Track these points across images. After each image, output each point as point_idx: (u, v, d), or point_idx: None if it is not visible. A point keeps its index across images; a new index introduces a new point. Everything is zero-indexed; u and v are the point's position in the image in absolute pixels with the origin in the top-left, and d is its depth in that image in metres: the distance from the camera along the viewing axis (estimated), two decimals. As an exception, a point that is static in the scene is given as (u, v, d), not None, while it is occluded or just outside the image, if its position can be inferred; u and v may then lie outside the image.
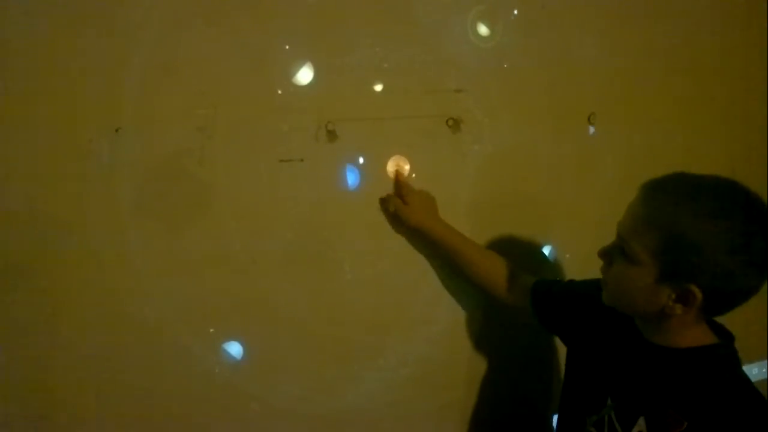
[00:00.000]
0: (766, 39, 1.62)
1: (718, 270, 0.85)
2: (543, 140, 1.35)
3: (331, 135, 1.15)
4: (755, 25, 1.62)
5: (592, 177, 1.41)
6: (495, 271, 1.25)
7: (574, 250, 1.42)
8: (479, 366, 1.41)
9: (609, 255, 0.96)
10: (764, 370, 1.91)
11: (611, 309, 1.02)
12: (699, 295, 0.87)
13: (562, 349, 1.38)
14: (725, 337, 0.97)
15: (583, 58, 1.36)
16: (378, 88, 1.18)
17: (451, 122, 1.24)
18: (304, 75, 1.12)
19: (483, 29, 1.24)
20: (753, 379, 1.81)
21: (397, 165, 1.22)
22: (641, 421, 0.95)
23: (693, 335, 0.94)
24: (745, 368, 1.80)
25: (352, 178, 1.20)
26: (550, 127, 1.35)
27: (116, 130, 1.02)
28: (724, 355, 0.94)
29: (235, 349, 1.18)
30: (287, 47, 1.11)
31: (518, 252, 1.37)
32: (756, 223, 0.86)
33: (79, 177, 1.03)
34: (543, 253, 1.41)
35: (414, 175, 1.23)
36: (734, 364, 0.95)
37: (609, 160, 1.41)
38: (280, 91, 1.11)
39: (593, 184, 1.41)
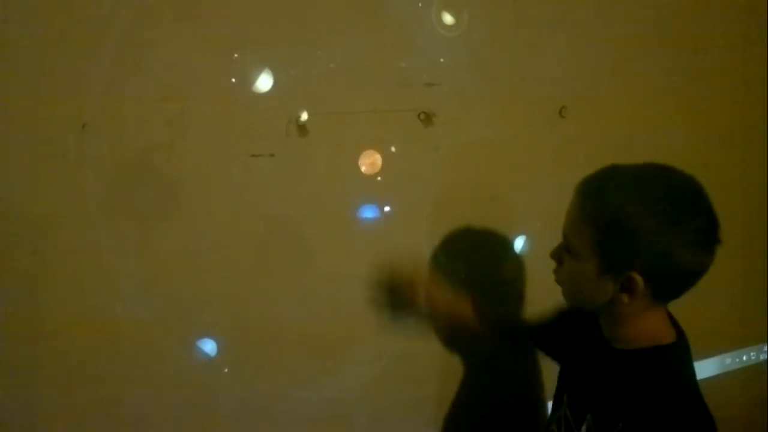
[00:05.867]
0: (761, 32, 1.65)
1: (653, 253, 0.86)
2: (515, 133, 1.36)
3: (302, 129, 1.14)
4: (731, 19, 1.64)
5: (564, 170, 1.41)
6: None
7: (546, 243, 1.42)
8: (455, 360, 1.41)
9: (558, 255, 0.98)
10: (764, 354, 1.95)
11: (579, 310, 1.03)
12: (640, 280, 0.88)
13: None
14: (680, 334, 0.97)
15: (554, 52, 1.37)
16: (349, 82, 1.18)
17: (422, 116, 1.24)
18: (274, 69, 1.11)
19: (453, 22, 1.24)
20: (752, 363, 1.86)
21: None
22: (589, 418, 0.96)
23: (650, 330, 0.95)
24: (745, 352, 1.85)
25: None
26: (522, 121, 1.36)
27: (82, 126, 1.01)
28: (672, 357, 0.95)
29: (208, 346, 1.17)
30: (257, 41, 1.11)
31: (491, 246, 1.38)
32: (686, 202, 0.87)
33: (45, 174, 1.01)
34: (516, 246, 1.42)
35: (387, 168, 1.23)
36: (680, 367, 0.95)
37: (581, 153, 1.42)
38: (250, 86, 1.11)
39: (565, 177, 1.41)
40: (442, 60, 1.25)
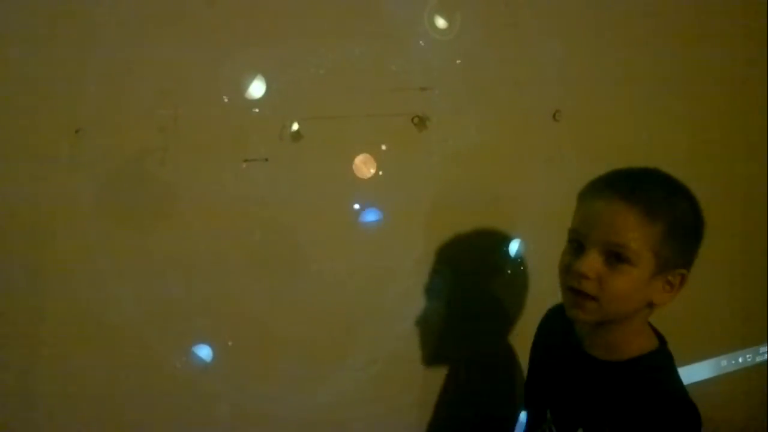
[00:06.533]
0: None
1: (695, 248, 0.93)
2: (509, 137, 1.36)
3: (296, 134, 1.14)
4: (728, 21, 1.63)
5: (558, 174, 1.42)
6: None
7: (540, 246, 1.43)
8: (451, 363, 1.41)
9: (595, 267, 0.91)
10: (760, 356, 1.96)
11: (552, 321, 1.07)
12: (686, 276, 0.92)
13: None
14: (661, 339, 0.99)
15: (547, 56, 1.37)
16: (342, 86, 1.18)
17: (416, 120, 1.24)
18: (268, 74, 1.11)
19: (447, 26, 1.24)
20: (748, 364, 1.87)
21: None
22: None
23: (639, 337, 0.96)
24: (745, 352, 1.86)
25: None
26: (516, 125, 1.36)
27: (76, 131, 1.01)
28: (661, 363, 0.96)
29: (202, 351, 1.17)
30: (251, 45, 1.10)
31: (486, 249, 1.38)
32: (694, 199, 0.95)
33: (39, 179, 1.01)
34: (510, 249, 1.42)
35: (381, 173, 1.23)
36: (670, 370, 0.96)
37: (575, 157, 1.42)
38: (243, 90, 1.11)
39: (560, 181, 1.42)
40: (435, 65, 1.25)
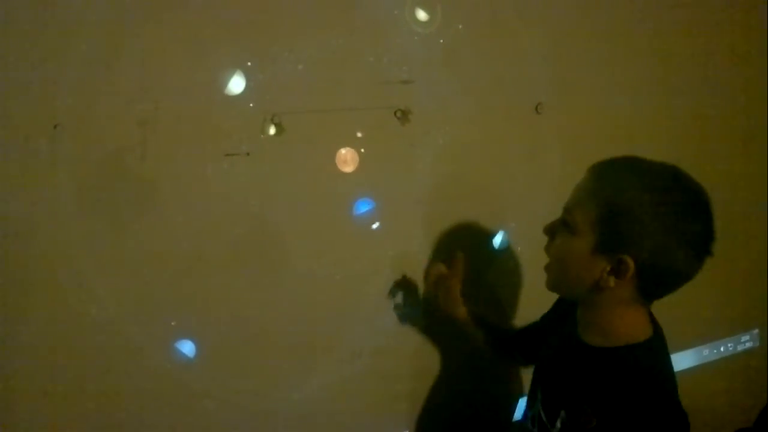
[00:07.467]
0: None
1: (650, 243, 0.89)
2: (491, 130, 1.36)
3: (277, 128, 1.14)
4: (711, 12, 1.64)
5: (540, 166, 1.43)
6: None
7: (525, 237, 1.44)
8: (432, 356, 1.42)
9: (552, 230, 1.00)
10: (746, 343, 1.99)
11: (560, 307, 1.07)
12: (631, 265, 0.90)
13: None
14: (656, 331, 0.99)
15: (530, 48, 1.37)
16: (325, 80, 1.17)
17: (399, 113, 1.24)
18: (248, 67, 1.11)
19: (428, 19, 1.24)
20: (734, 352, 1.89)
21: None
22: (563, 414, 0.97)
23: (627, 326, 0.96)
24: (726, 341, 1.87)
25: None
26: (498, 117, 1.36)
27: (54, 127, 1.00)
28: (646, 355, 0.95)
29: (186, 346, 1.16)
30: (230, 39, 1.10)
31: (470, 241, 1.38)
32: (691, 206, 0.90)
33: (18, 175, 1.00)
34: (495, 241, 1.43)
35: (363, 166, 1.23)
36: (653, 365, 0.96)
37: (557, 149, 1.43)
38: (223, 84, 1.10)
39: (542, 173, 1.43)
40: (418, 58, 1.24)
